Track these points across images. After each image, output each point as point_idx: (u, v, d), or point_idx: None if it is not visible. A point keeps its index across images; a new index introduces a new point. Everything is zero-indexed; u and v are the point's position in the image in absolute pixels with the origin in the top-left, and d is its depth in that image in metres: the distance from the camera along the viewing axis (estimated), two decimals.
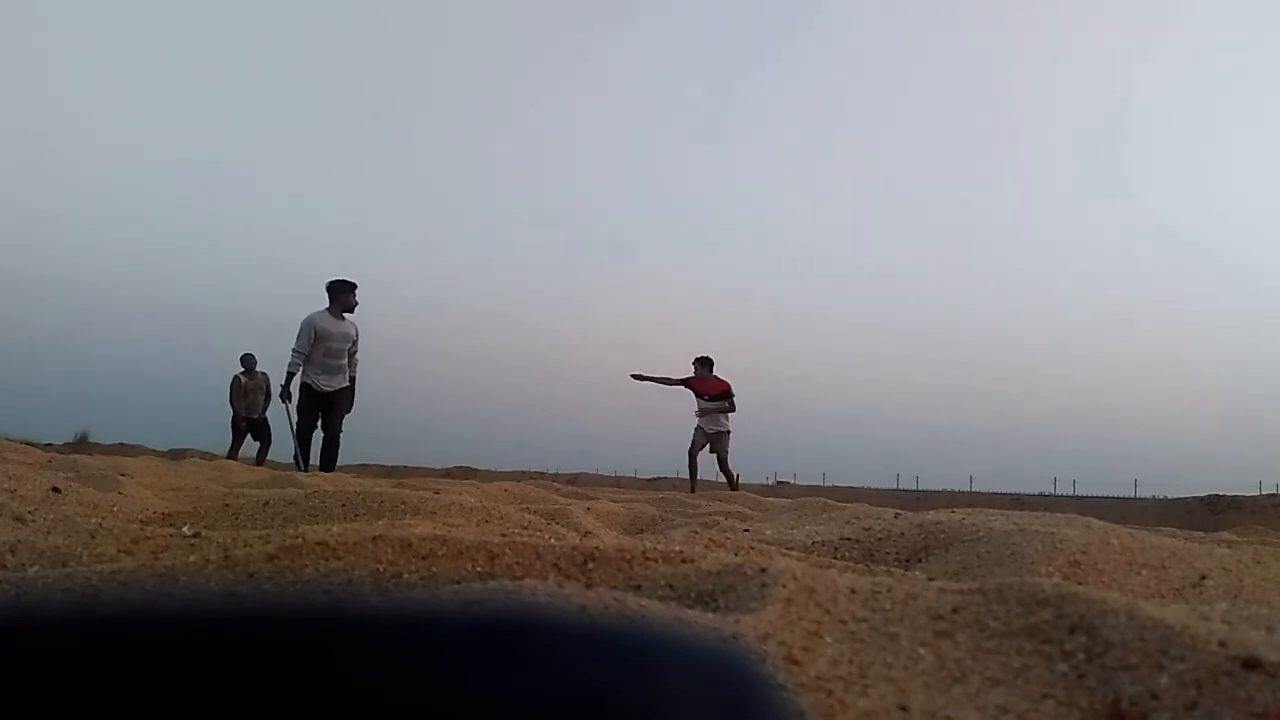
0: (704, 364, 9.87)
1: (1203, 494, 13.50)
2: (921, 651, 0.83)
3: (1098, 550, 1.66)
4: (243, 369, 10.53)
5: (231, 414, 10.38)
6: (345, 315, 7.72)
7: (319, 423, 7.56)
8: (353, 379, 7.83)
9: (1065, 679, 0.78)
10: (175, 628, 0.21)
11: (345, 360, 7.69)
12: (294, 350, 7.52)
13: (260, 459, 9.96)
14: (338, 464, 7.60)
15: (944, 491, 25.11)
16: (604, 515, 2.91)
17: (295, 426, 7.57)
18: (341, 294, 7.70)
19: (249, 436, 10.42)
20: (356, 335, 7.79)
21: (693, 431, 9.79)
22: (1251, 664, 0.72)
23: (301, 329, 7.54)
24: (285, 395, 7.60)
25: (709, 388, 9.79)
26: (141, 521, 2.09)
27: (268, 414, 10.43)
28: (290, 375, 7.57)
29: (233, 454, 10.07)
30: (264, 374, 10.57)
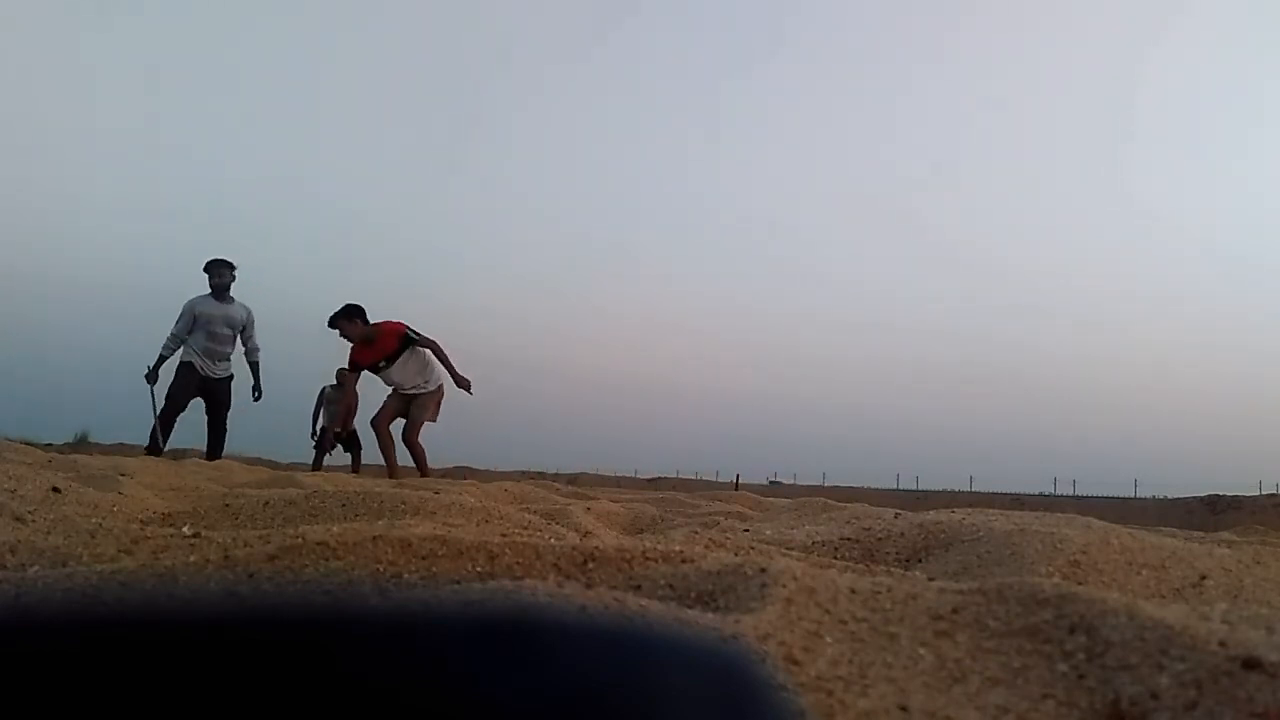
0: (349, 318, 6.63)
1: (1203, 494, 13.47)
2: (921, 651, 0.83)
3: (1098, 550, 1.66)
4: (335, 383, 10.39)
5: (311, 427, 10.23)
6: (230, 297, 7.23)
7: (186, 407, 7.13)
8: (253, 365, 7.41)
9: (1065, 679, 0.78)
10: (175, 628, 0.21)
11: (230, 348, 7.24)
12: (169, 334, 7.15)
13: (354, 467, 9.84)
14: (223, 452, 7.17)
15: (944, 491, 25.11)
16: (604, 515, 2.91)
17: (158, 408, 7.17)
18: (210, 273, 7.20)
19: (341, 448, 10.25)
20: (248, 320, 7.34)
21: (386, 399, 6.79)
22: (1251, 664, 0.72)
23: (180, 312, 7.17)
24: (149, 377, 7.20)
25: (379, 350, 6.65)
26: (141, 521, 2.09)
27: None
28: (160, 358, 7.15)
29: (316, 466, 9.82)
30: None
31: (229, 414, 7.34)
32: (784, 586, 0.95)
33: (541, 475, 20.10)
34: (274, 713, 0.20)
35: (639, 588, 1.08)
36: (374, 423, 6.75)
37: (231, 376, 7.36)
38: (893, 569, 1.67)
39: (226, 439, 7.35)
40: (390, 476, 6.24)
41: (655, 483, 19.66)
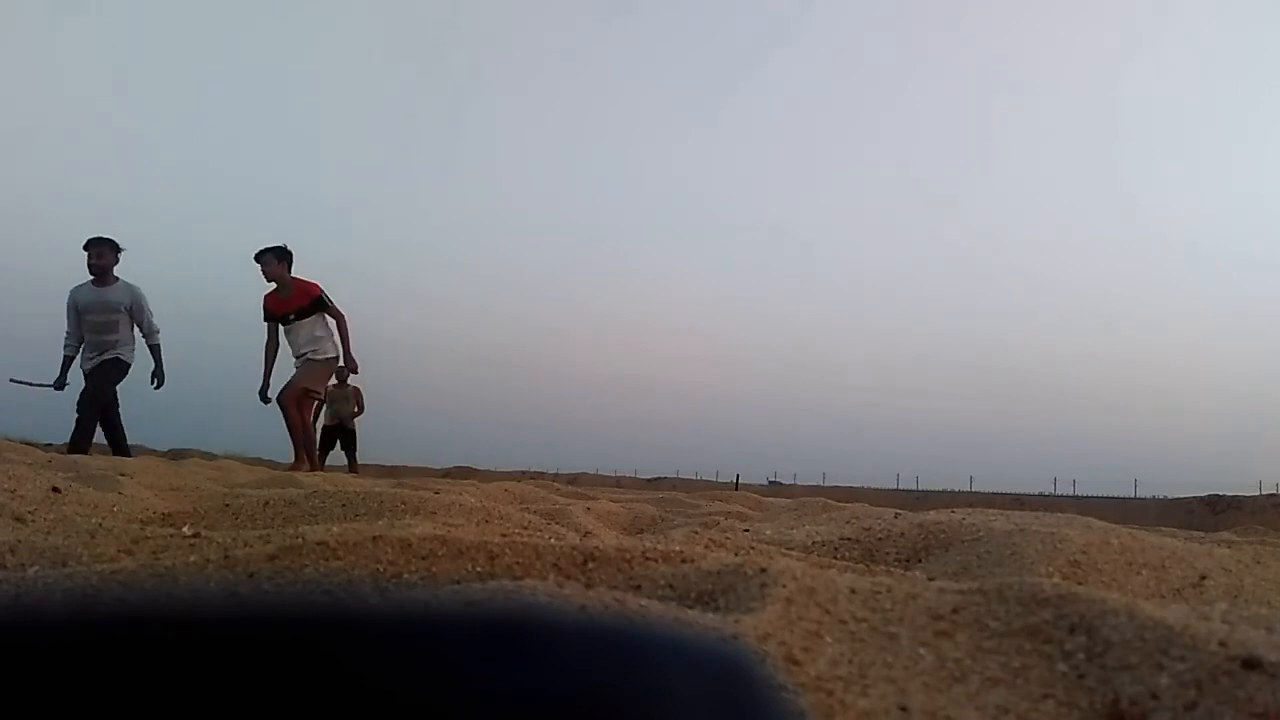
0: (279, 258, 6.58)
1: (1203, 494, 13.45)
2: (921, 651, 0.83)
3: (1098, 550, 1.66)
4: (336, 381, 10.33)
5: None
6: (113, 278, 6.59)
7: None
8: (153, 349, 6.75)
9: (1065, 679, 0.78)
10: (175, 628, 0.21)
11: (115, 335, 6.57)
12: (65, 333, 6.65)
13: (350, 467, 9.92)
14: (83, 445, 6.35)
15: (944, 491, 25.11)
16: (604, 515, 2.91)
17: (28, 382, 6.79)
18: (88, 254, 6.48)
19: (338, 445, 10.20)
20: (133, 302, 6.62)
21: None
22: (1251, 664, 0.72)
23: (66, 308, 6.59)
24: (57, 384, 6.71)
25: (290, 303, 6.65)
26: (141, 521, 2.09)
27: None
28: (65, 359, 6.67)
29: (319, 463, 9.81)
30: (356, 388, 10.36)
31: (107, 404, 6.59)
32: (784, 586, 0.95)
33: (541, 475, 20.10)
34: (275, 713, 0.20)
35: (639, 588, 1.08)
36: (280, 400, 6.69)
37: (107, 362, 6.60)
38: (893, 569, 1.67)
39: (113, 433, 6.65)
40: (296, 459, 6.32)
41: (655, 483, 19.66)
